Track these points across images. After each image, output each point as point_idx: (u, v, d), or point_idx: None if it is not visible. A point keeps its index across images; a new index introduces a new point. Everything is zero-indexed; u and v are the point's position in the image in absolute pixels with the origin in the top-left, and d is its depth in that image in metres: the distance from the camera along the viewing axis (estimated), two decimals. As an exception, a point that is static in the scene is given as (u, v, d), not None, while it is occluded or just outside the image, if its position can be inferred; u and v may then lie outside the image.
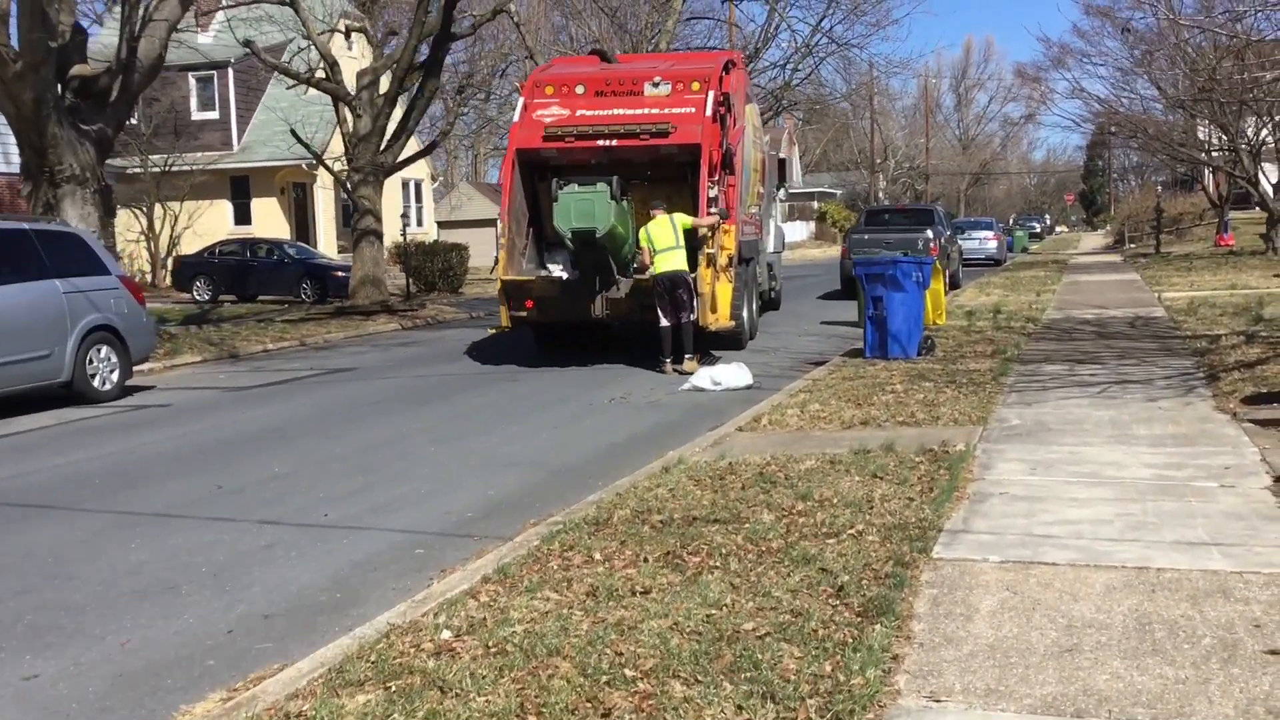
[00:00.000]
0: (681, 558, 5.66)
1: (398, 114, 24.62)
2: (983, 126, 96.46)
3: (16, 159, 17.76)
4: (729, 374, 12.46)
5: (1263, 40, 16.99)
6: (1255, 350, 12.32)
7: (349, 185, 24.23)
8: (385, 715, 4.00)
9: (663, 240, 13.68)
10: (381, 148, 23.88)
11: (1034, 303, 20.83)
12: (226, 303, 28.42)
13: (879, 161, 73.14)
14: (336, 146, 27.88)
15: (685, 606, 4.87)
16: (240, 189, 37.23)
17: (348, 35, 27.94)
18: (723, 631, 4.58)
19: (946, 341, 14.56)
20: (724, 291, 14.75)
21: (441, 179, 53.03)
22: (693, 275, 13.93)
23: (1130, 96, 35.47)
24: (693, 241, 14.15)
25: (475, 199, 44.99)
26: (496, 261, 15.10)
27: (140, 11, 16.86)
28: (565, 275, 14.81)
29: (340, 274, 27.59)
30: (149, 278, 34.05)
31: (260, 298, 29.10)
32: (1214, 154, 38.42)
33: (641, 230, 14.00)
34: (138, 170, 32.53)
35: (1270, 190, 35.12)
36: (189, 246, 33.02)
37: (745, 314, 16.15)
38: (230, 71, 36.33)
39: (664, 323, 13.86)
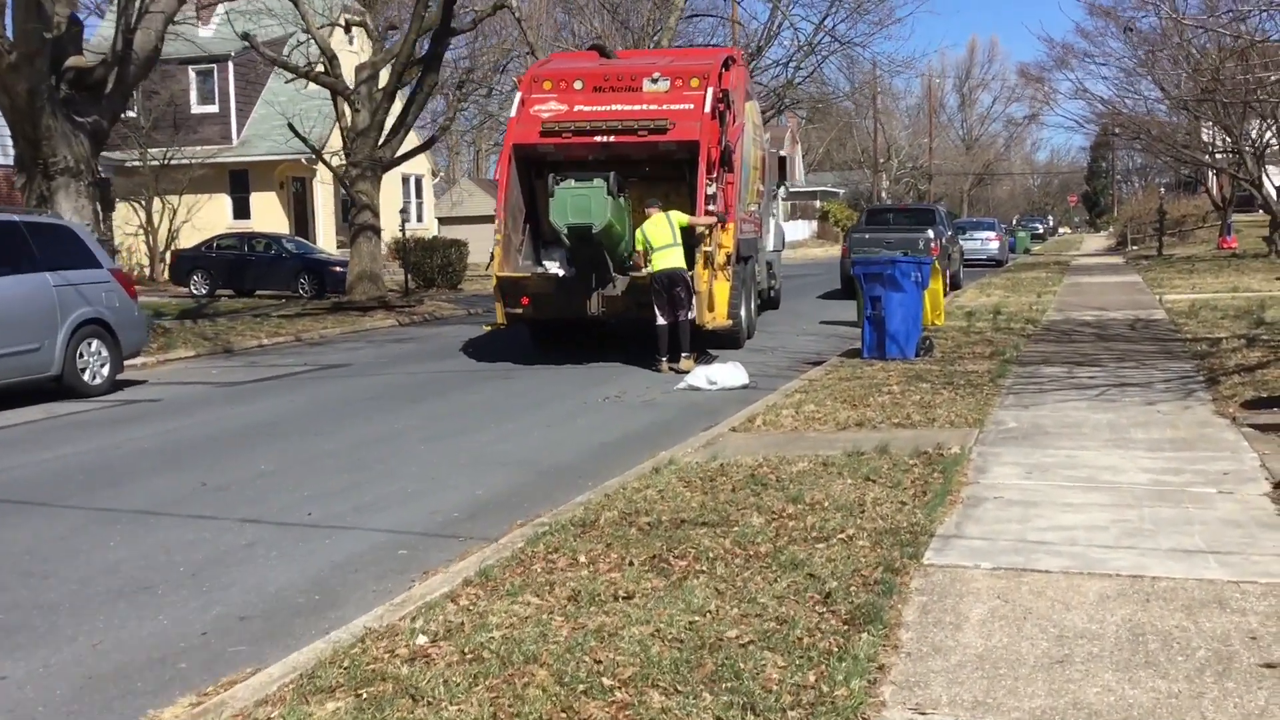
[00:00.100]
0: (667, 561, 5.54)
1: (397, 109, 24.50)
2: (986, 127, 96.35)
3: (13, 151, 17.65)
4: (725, 373, 12.35)
5: (1267, 41, 16.86)
6: (1256, 354, 12.20)
7: (347, 180, 24.10)
8: (355, 724, 3.89)
9: (659, 238, 13.56)
10: (380, 142, 23.77)
11: (1034, 304, 20.70)
12: (224, 297, 28.32)
13: (882, 161, 73.02)
14: (336, 141, 27.75)
15: (668, 613, 4.76)
16: (239, 183, 37.10)
17: (348, 29, 27.79)
18: (705, 639, 4.47)
19: (945, 342, 14.44)
20: (721, 290, 14.63)
21: (442, 174, 52.91)
22: (690, 273, 13.81)
23: (1134, 97, 35.35)
24: (690, 239, 14.03)
25: (476, 194, 44.91)
26: (492, 258, 14.98)
27: (137, 3, 16.77)
28: (561, 272, 14.69)
29: (338, 269, 27.48)
30: (147, 271, 33.96)
31: (258, 292, 29.00)
32: (1218, 156, 38.28)
33: (638, 231, 13.88)
34: (136, 163, 32.44)
35: (1274, 193, 34.98)
36: (187, 240, 32.92)
37: (743, 313, 16.04)
38: (230, 65, 36.22)
39: (660, 321, 13.74)
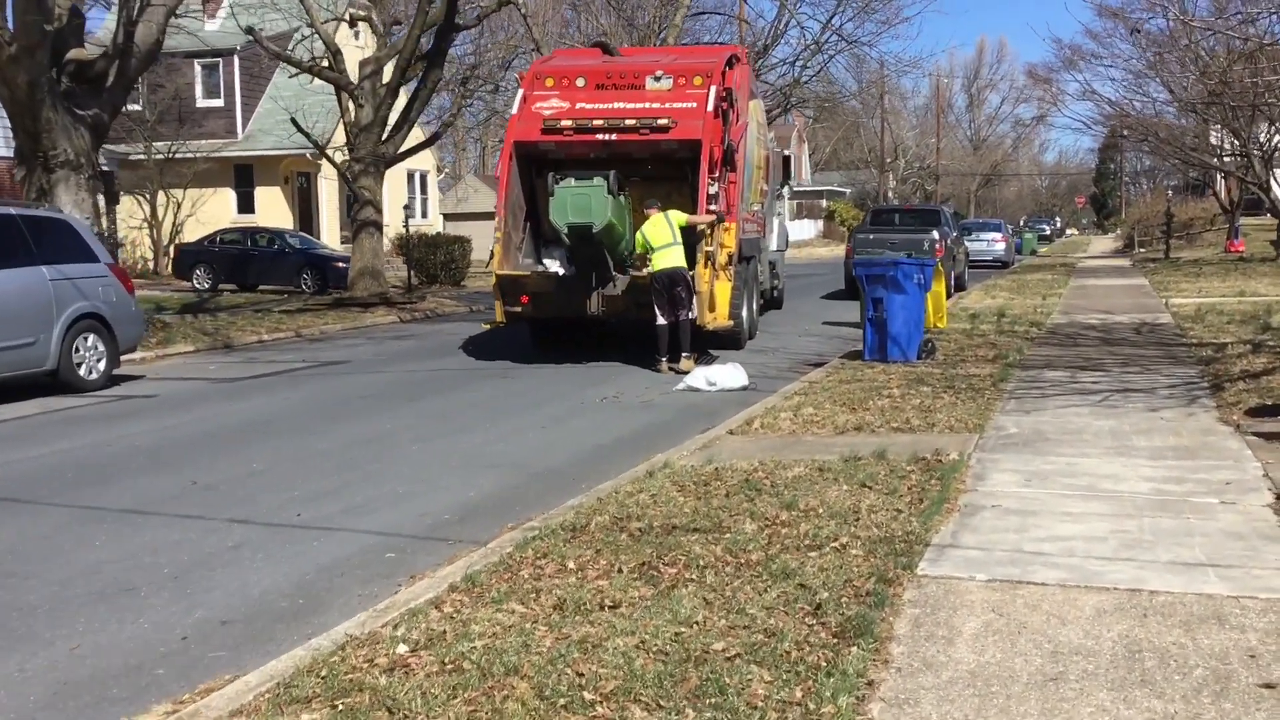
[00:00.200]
0: (657, 569, 5.45)
1: (401, 105, 24.39)
2: (994, 127, 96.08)
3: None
4: (724, 374, 12.25)
5: (1276, 44, 16.70)
6: (1261, 360, 12.07)
7: (350, 176, 24.01)
8: (328, 736, 3.80)
9: (659, 238, 13.45)
10: (383, 138, 23.67)
11: (1039, 306, 20.57)
12: (226, 291, 28.24)
13: (889, 161, 72.82)
14: (340, 137, 27.66)
15: (654, 623, 4.66)
16: (244, 177, 37.06)
17: (353, 24, 27.73)
18: (691, 652, 4.36)
19: (948, 345, 14.33)
20: (723, 290, 14.52)
21: (448, 170, 52.81)
22: (691, 273, 13.70)
23: (1142, 99, 35.15)
24: (691, 238, 13.92)
25: (481, 191, 44.76)
26: (492, 255, 14.88)
27: (138, -3, 16.68)
28: (561, 271, 14.59)
29: (341, 265, 27.38)
30: (151, 265, 33.92)
31: (260, 287, 28.91)
32: (1226, 159, 38.07)
33: (638, 233, 13.77)
34: (141, 157, 32.38)
35: (1282, 196, 34.78)
36: (192, 234, 32.84)
37: (745, 313, 15.92)
38: (235, 59, 36.16)
39: (661, 321, 13.64)
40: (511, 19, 38.19)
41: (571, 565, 5.55)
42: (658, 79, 14.95)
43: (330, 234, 36.74)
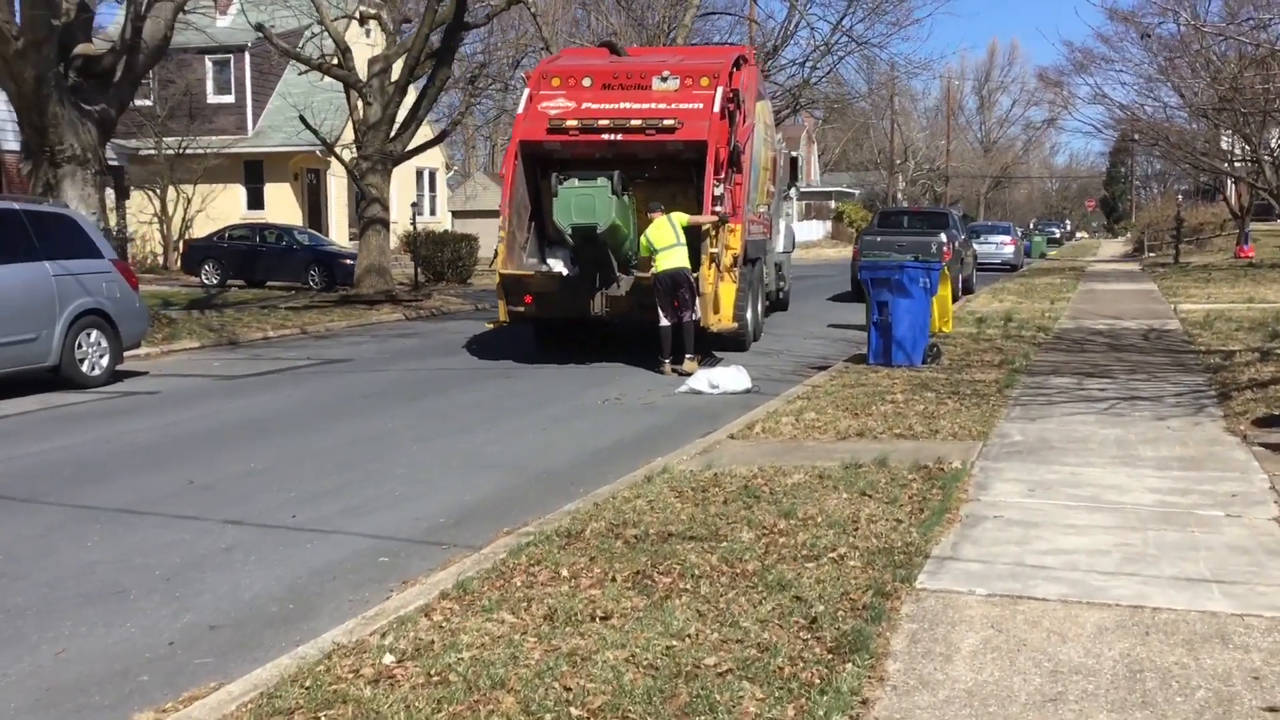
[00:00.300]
0: (651, 578, 5.37)
1: (409, 102, 24.34)
2: (1005, 130, 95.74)
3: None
4: (727, 377, 12.16)
5: (1288, 50, 16.58)
6: (1270, 369, 11.95)
7: (357, 173, 23.96)
8: (310, 749, 3.73)
9: (662, 239, 13.37)
10: (391, 136, 23.60)
11: (1047, 311, 20.44)
12: (234, 287, 28.23)
13: (898, 162, 72.61)
14: (349, 135, 27.62)
15: (646, 636, 4.58)
16: (254, 173, 37.02)
17: (363, 22, 27.65)
18: (682, 666, 4.28)
19: (953, 350, 14.22)
20: (727, 292, 14.43)
21: (457, 168, 52.79)
22: (695, 274, 13.62)
23: (1153, 104, 34.99)
24: (695, 239, 13.84)
25: (490, 189, 44.71)
26: (496, 255, 14.81)
27: (146, -9, 16.65)
28: (565, 271, 14.51)
29: (349, 262, 27.33)
30: (161, 260, 33.92)
31: (268, 284, 28.89)
32: (1236, 164, 37.89)
33: (641, 237, 13.69)
34: (151, 152, 32.38)
35: (1293, 202, 34.58)
36: (202, 230, 32.83)
37: (749, 315, 15.82)
38: (246, 56, 36.12)
39: (664, 322, 13.56)
40: (522, 18, 38.15)
41: (565, 573, 5.48)
42: (664, 79, 14.87)
43: (339, 231, 36.72)
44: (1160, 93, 33.86)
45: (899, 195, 70.01)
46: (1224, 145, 37.25)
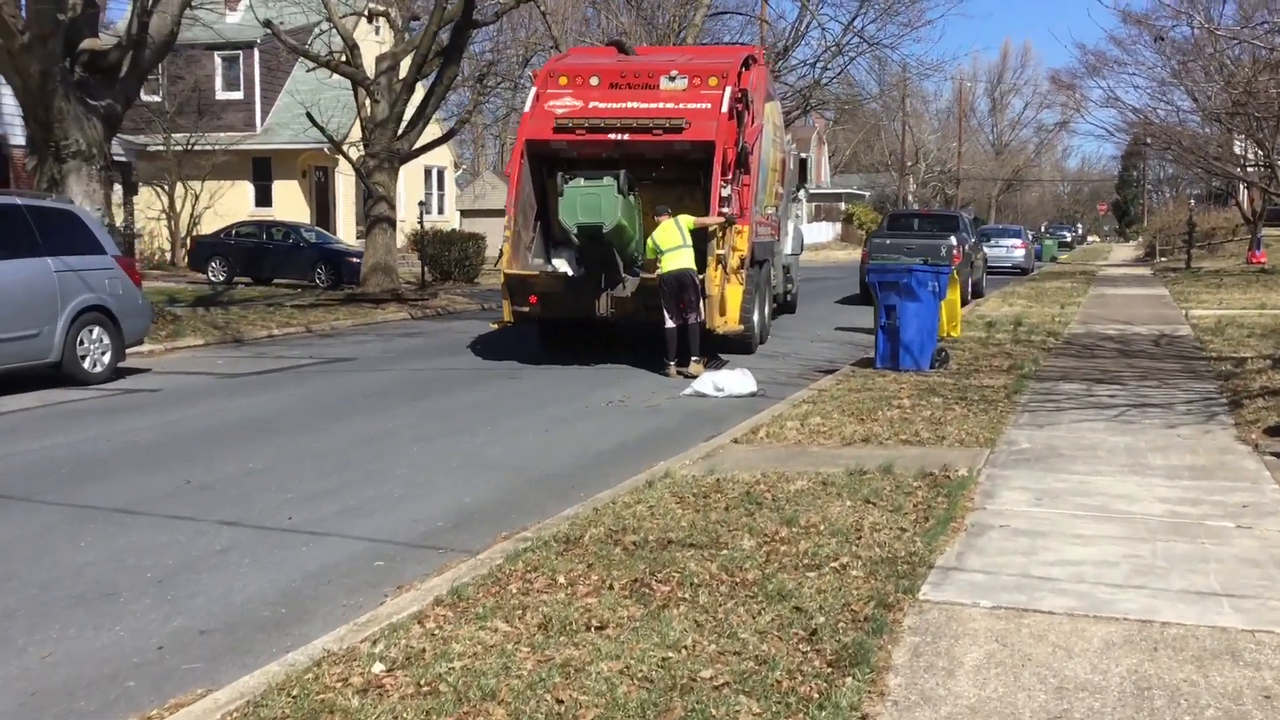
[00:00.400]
0: (649, 586, 5.27)
1: (416, 100, 24.26)
2: (1017, 132, 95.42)
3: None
4: (732, 380, 12.06)
5: (1303, 54, 16.42)
6: (1282, 376, 11.81)
7: (364, 171, 23.89)
8: (294, 762, 3.64)
9: (668, 241, 13.27)
10: (398, 134, 23.53)
11: (1057, 315, 20.30)
12: (241, 284, 28.18)
13: (909, 164, 72.39)
14: (357, 132, 27.57)
15: (641, 647, 4.48)
16: (262, 170, 37.01)
17: (371, 19, 27.58)
18: (677, 679, 4.18)
19: (962, 354, 14.10)
20: (734, 294, 14.32)
21: (466, 167, 52.76)
22: (701, 276, 13.51)
23: (1166, 108, 34.75)
24: (702, 241, 13.73)
25: (499, 188, 44.61)
26: (501, 254, 14.73)
27: (153, -14, 16.58)
28: (570, 271, 14.42)
29: (355, 260, 27.27)
30: (168, 256, 33.90)
31: (275, 281, 28.85)
32: (1249, 169, 37.65)
33: (648, 240, 13.59)
34: (160, 148, 32.36)
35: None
36: (209, 226, 32.78)
37: (756, 317, 15.71)
38: (255, 52, 36.12)
39: (669, 324, 13.46)
40: (532, 17, 38.08)
41: (562, 580, 5.38)
42: (672, 79, 14.76)
43: (347, 229, 36.66)
44: (1173, 96, 33.64)
45: (910, 198, 69.81)
46: (1237, 150, 37.00)
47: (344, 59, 23.94)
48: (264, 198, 37.03)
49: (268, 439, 9.78)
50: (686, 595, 5.13)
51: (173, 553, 6.42)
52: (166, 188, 33.21)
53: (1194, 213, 49.67)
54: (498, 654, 4.44)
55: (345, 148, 26.96)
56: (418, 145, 24.41)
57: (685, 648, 4.49)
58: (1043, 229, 77.02)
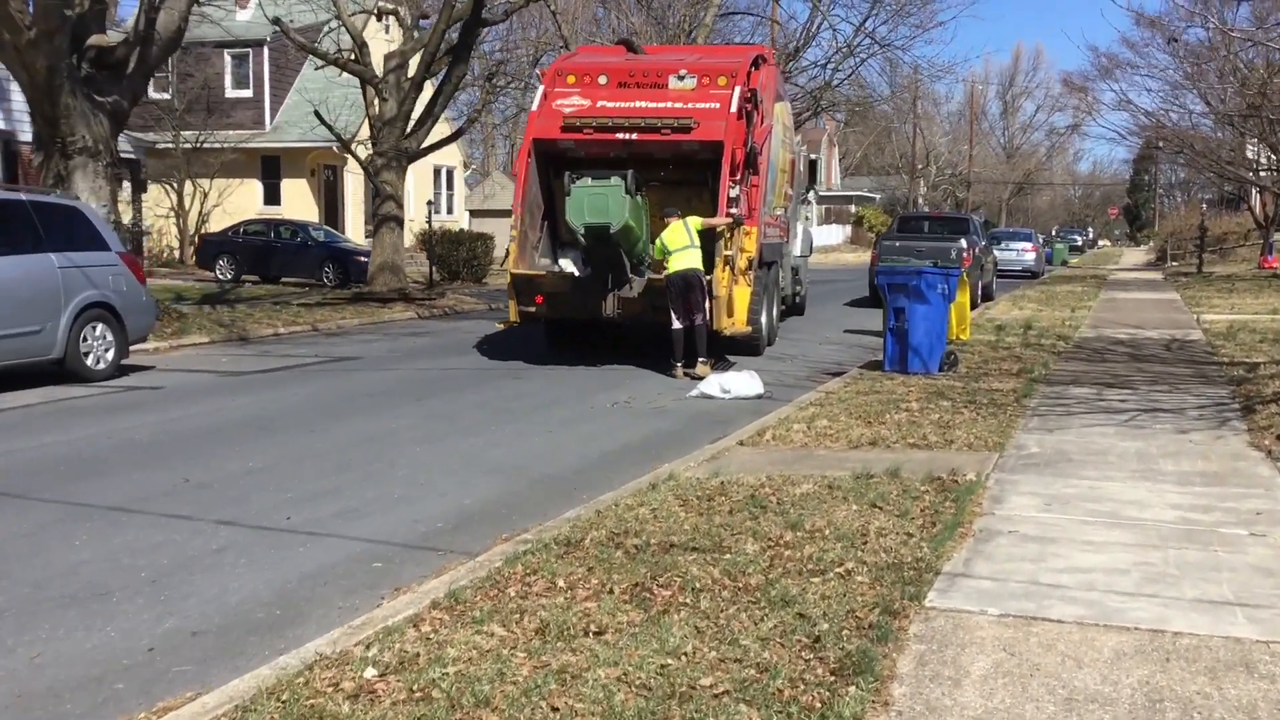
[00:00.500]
0: (650, 591, 5.17)
1: (425, 99, 24.18)
2: (1028, 136, 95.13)
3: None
4: (739, 382, 11.95)
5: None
6: (1296, 382, 11.66)
7: (371, 170, 23.82)
8: (280, 769, 3.54)
9: (676, 241, 13.17)
10: (406, 133, 23.44)
11: (1067, 319, 20.15)
12: (248, 283, 28.13)
13: (920, 167, 72.18)
14: (366, 131, 27.52)
15: (640, 653, 4.37)
16: (271, 169, 36.99)
17: (380, 17, 27.55)
18: (676, 687, 4.08)
19: (971, 357, 13.97)
20: (741, 295, 14.21)
21: (475, 167, 52.70)
22: (709, 277, 13.40)
23: (1179, 111, 34.59)
24: (710, 242, 13.62)
25: (508, 188, 44.41)
26: (507, 254, 14.63)
27: (160, -17, 16.53)
28: (577, 271, 14.32)
29: (363, 259, 27.19)
30: (177, 254, 33.89)
31: (283, 280, 28.79)
32: (1262, 173, 37.45)
33: (656, 240, 13.48)
34: (169, 146, 32.35)
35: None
36: (218, 224, 32.78)
37: (764, 319, 15.59)
38: (265, 50, 36.12)
39: (676, 325, 13.35)
40: (542, 16, 37.99)
41: (561, 584, 5.28)
42: (681, 78, 14.66)
43: (355, 228, 36.63)
44: (1186, 100, 33.49)
45: (920, 201, 69.60)
46: (1249, 154, 36.81)
47: (353, 57, 23.87)
48: (273, 196, 37.02)
49: (269, 438, 9.70)
50: (688, 600, 5.03)
51: (168, 552, 6.34)
52: (175, 185, 33.21)
53: (1206, 217, 49.40)
54: (493, 659, 4.34)
55: (354, 146, 26.90)
56: (426, 144, 24.32)
57: (685, 654, 4.38)
58: (1053, 233, 76.70)
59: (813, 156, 23.47)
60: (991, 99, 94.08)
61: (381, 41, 31.52)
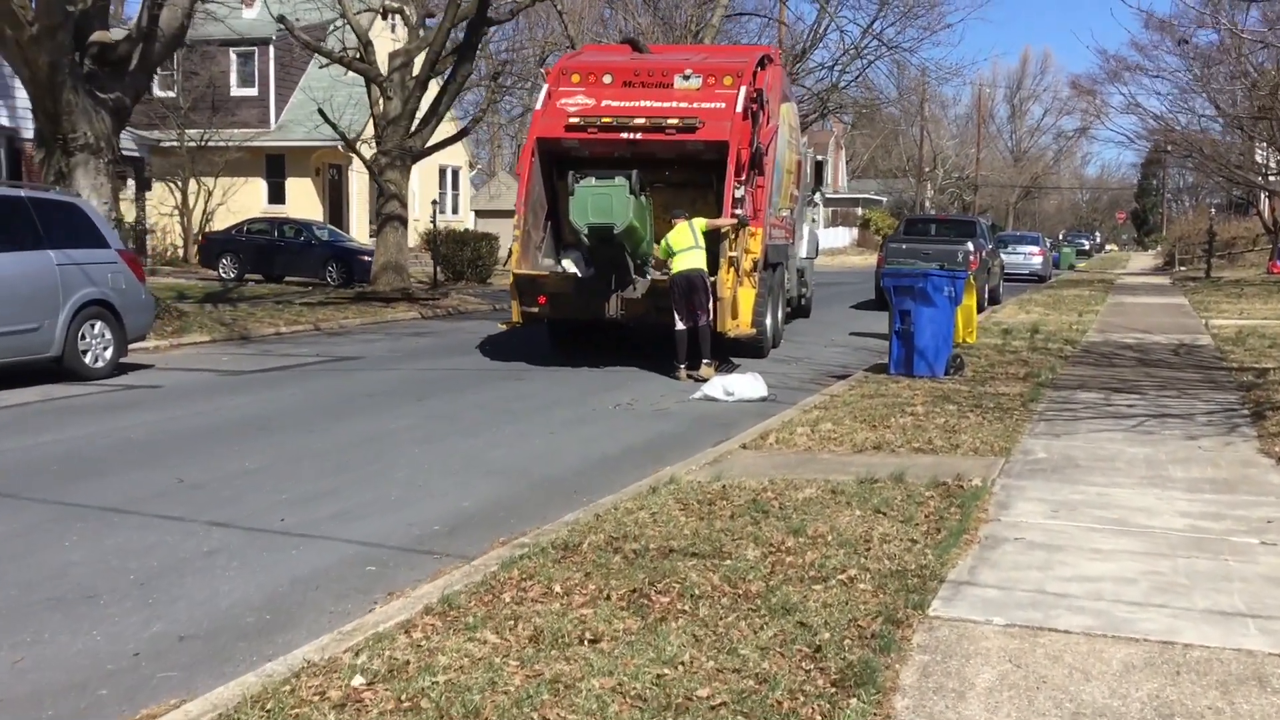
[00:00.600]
0: (648, 597, 5.05)
1: (430, 98, 24.08)
2: (1036, 139, 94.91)
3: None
4: (743, 384, 11.83)
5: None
6: (1306, 388, 11.52)
7: (376, 169, 23.73)
8: (262, 781, 3.43)
9: (681, 242, 13.05)
10: (411, 131, 23.35)
11: (1074, 323, 20.01)
12: (251, 281, 28.06)
13: (927, 170, 72.02)
14: (371, 131, 27.43)
15: (636, 662, 4.26)
16: (275, 168, 36.92)
17: (385, 16, 27.45)
18: (672, 698, 3.96)
19: (978, 361, 13.85)
20: (746, 297, 14.10)
21: (481, 166, 52.63)
22: (713, 278, 13.28)
23: (1187, 114, 34.43)
24: (715, 243, 13.50)
25: (514, 188, 44.27)
26: (510, 254, 14.53)
27: (163, -20, 16.44)
28: (580, 272, 14.21)
29: (367, 258, 27.11)
30: (181, 253, 33.82)
31: (286, 279, 28.72)
32: (1271, 178, 37.25)
33: (662, 241, 13.37)
34: (174, 144, 32.28)
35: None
36: (222, 223, 32.67)
37: (768, 321, 15.46)
38: (270, 49, 36.04)
39: (679, 326, 13.23)
40: (549, 16, 37.93)
41: (558, 589, 5.17)
42: (686, 78, 14.55)
43: (359, 227, 36.54)
44: (1195, 103, 33.32)
45: (927, 203, 69.43)
46: (1258, 158, 36.64)
47: (358, 56, 23.77)
48: (277, 195, 36.95)
49: (266, 438, 9.59)
50: (686, 607, 4.92)
51: (159, 554, 6.23)
52: (180, 184, 33.13)
53: (1214, 221, 49.21)
54: (485, 668, 4.23)
55: (358, 145, 26.81)
56: (430, 143, 24.21)
57: (682, 664, 4.27)
58: (1060, 237, 76.54)
59: (819, 158, 23.34)
60: (999, 102, 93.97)
61: (387, 40, 31.45)
